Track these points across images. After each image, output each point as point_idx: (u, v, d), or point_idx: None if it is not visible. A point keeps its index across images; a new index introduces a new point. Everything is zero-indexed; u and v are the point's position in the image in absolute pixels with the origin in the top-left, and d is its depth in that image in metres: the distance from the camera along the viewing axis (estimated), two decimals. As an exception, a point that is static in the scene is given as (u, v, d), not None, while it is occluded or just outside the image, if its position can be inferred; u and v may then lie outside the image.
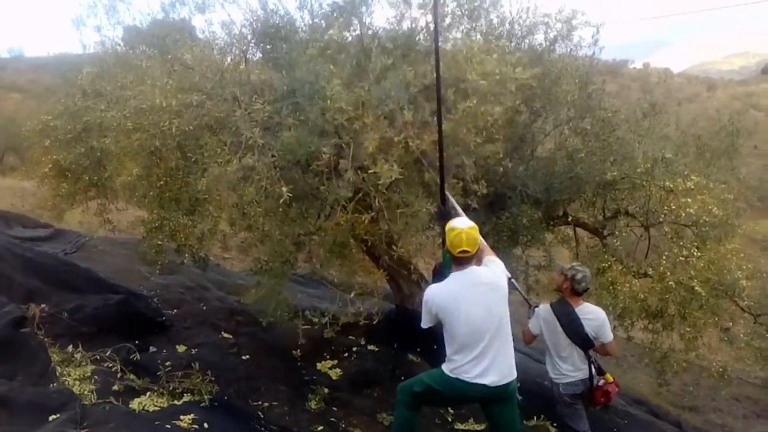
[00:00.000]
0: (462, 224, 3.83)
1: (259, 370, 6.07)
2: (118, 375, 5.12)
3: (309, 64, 4.63)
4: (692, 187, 5.74)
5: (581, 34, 6.63)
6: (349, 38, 5.39)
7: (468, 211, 5.12)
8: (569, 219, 7.12)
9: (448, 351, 3.89)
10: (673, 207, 5.86)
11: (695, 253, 5.86)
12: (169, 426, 4.41)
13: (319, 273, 5.76)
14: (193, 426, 4.50)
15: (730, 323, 6.45)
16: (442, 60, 4.58)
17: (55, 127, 6.29)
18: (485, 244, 4.21)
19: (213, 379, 5.37)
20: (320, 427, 5.31)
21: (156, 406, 4.76)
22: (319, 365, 6.61)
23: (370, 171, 4.26)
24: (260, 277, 5.71)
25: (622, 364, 10.98)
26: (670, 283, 5.77)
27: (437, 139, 4.23)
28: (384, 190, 4.27)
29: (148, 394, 4.92)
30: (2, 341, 4.97)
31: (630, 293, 5.97)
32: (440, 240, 4.34)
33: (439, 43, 5.51)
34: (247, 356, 6.36)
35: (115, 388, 4.85)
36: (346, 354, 6.94)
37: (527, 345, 5.53)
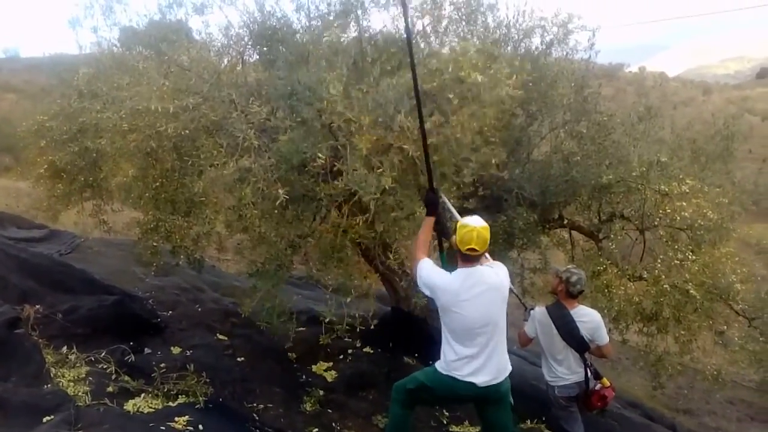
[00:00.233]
0: (475, 222, 3.80)
1: (254, 372, 6.06)
2: (113, 376, 5.10)
3: (306, 66, 4.63)
4: (687, 190, 5.77)
5: (577, 38, 6.69)
6: (346, 41, 5.40)
7: (462, 214, 5.13)
8: (565, 222, 7.14)
9: (443, 347, 3.91)
10: (668, 210, 5.89)
11: (690, 257, 5.88)
12: (163, 428, 4.39)
13: (315, 276, 5.75)
14: (188, 428, 4.49)
15: (725, 326, 6.48)
16: (438, 62, 4.60)
17: (50, 128, 6.28)
18: None
19: (208, 380, 5.35)
20: (315, 429, 5.30)
21: (151, 407, 4.75)
22: (314, 367, 6.61)
23: (361, 173, 4.25)
24: (256, 279, 5.71)
25: (616, 367, 11.00)
26: (665, 286, 5.78)
27: (420, 127, 4.14)
28: (379, 194, 4.26)
29: (142, 395, 4.90)
30: (-4, 342, 4.96)
31: (625, 296, 5.99)
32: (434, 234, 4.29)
33: (436, 46, 5.54)
34: (243, 358, 6.34)
35: (110, 389, 4.84)
36: (341, 356, 6.94)
37: (523, 347, 5.53)
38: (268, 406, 5.47)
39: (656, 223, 6.23)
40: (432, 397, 4.05)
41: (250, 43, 5.74)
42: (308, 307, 8.22)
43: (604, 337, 4.82)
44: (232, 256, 12.99)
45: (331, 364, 6.71)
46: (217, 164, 4.52)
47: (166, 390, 5.06)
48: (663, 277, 5.88)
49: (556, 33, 6.58)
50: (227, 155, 4.56)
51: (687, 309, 5.91)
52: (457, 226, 3.85)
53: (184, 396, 5.06)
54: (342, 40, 5.28)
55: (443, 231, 4.39)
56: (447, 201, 4.68)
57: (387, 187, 4.18)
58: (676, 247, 6.06)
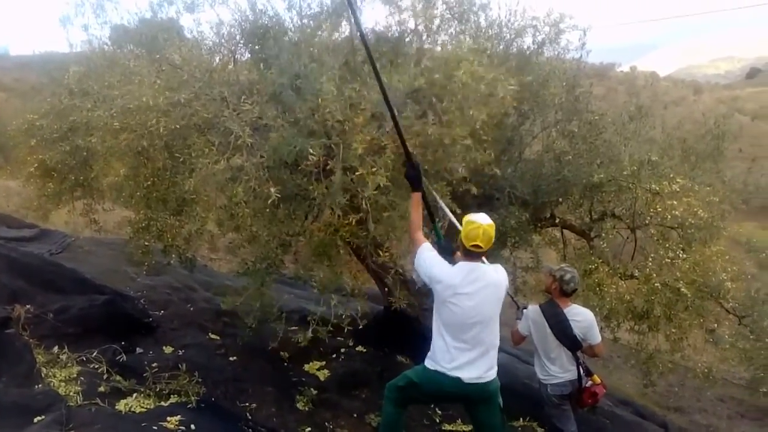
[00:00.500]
0: (482, 220, 3.83)
1: (247, 372, 6.06)
2: (104, 376, 5.09)
3: (298, 64, 4.62)
4: (678, 189, 5.79)
5: (569, 38, 6.68)
6: (338, 39, 5.40)
7: (454, 213, 5.14)
8: (556, 221, 7.16)
9: (433, 341, 3.93)
10: (659, 209, 5.91)
11: (681, 255, 5.91)
12: (155, 427, 4.39)
13: (305, 275, 5.74)
14: (180, 427, 4.49)
15: (715, 325, 6.51)
16: (431, 62, 4.61)
17: (41, 127, 6.25)
18: None
19: (200, 380, 5.35)
20: (308, 429, 5.31)
21: (142, 407, 4.74)
22: (306, 366, 6.61)
23: (357, 173, 4.25)
24: (246, 278, 5.69)
25: (608, 364, 11.05)
26: (656, 284, 5.81)
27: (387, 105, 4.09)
28: (372, 193, 4.26)
29: (134, 395, 4.89)
30: (-13, 342, 4.93)
31: (616, 294, 6.01)
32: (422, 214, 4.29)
33: (428, 45, 5.54)
34: (235, 357, 6.34)
35: (101, 389, 4.83)
36: (334, 355, 6.94)
37: (516, 346, 5.55)
38: (261, 406, 5.47)
39: (647, 221, 6.25)
40: (421, 395, 4.06)
41: (241, 41, 5.72)
42: (300, 306, 8.21)
43: (596, 337, 4.85)
44: (223, 256, 12.97)
45: (323, 363, 6.72)
46: (209, 162, 4.50)
47: (158, 390, 5.06)
48: (654, 275, 5.90)
49: (547, 32, 6.58)
50: (219, 153, 4.54)
51: (678, 307, 5.94)
52: (464, 222, 3.89)
53: (176, 396, 5.06)
54: (334, 38, 5.28)
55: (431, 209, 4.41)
56: (439, 200, 4.69)
57: (381, 185, 4.18)
58: (667, 245, 6.08)
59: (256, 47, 5.56)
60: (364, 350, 7.16)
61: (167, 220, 6.14)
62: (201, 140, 4.83)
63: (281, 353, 6.56)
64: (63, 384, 4.79)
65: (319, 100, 4.25)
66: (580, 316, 4.82)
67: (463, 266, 3.89)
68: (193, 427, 4.53)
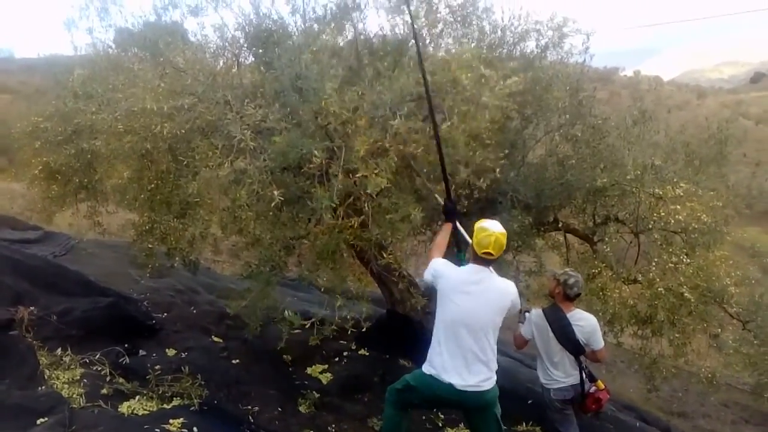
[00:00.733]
0: (494, 227, 3.89)
1: (249, 375, 6.06)
2: (107, 378, 5.09)
3: (301, 67, 4.63)
4: (681, 194, 5.78)
5: (572, 42, 6.68)
6: (342, 43, 5.41)
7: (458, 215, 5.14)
8: (560, 225, 7.15)
9: (431, 345, 3.94)
10: (663, 214, 5.90)
11: (684, 260, 5.89)
12: (158, 430, 4.39)
13: (309, 278, 5.74)
14: (183, 430, 4.49)
15: (719, 330, 6.48)
16: (433, 66, 4.61)
17: (45, 129, 6.26)
18: None
19: (203, 383, 5.35)
20: (310, 432, 5.31)
21: (145, 410, 4.75)
22: (309, 370, 6.60)
23: (358, 175, 4.26)
24: (250, 281, 5.70)
25: (611, 369, 11.03)
26: (659, 289, 5.79)
27: (435, 140, 4.26)
28: (374, 195, 4.27)
29: (137, 397, 4.90)
30: (-10, 344, 4.95)
31: (620, 299, 6.00)
32: (434, 239, 4.40)
33: (431, 49, 5.55)
34: (237, 360, 6.34)
35: (104, 391, 4.83)
36: (336, 358, 6.94)
37: (518, 350, 5.55)
38: (263, 409, 5.47)
39: (651, 226, 6.23)
40: (418, 399, 4.06)
41: (245, 45, 5.73)
42: (303, 309, 8.19)
43: (599, 342, 4.84)
44: (227, 258, 12.98)
45: (326, 366, 6.71)
46: (212, 165, 4.51)
47: (160, 392, 5.06)
48: (657, 280, 5.89)
49: (551, 37, 6.58)
50: (222, 156, 4.55)
51: (681, 312, 5.92)
52: (475, 228, 3.93)
53: (178, 398, 5.06)
54: (338, 41, 5.30)
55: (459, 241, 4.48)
56: (442, 203, 4.70)
57: (383, 188, 4.19)
58: (671, 250, 6.07)
59: (260, 51, 5.58)
60: (367, 353, 7.15)
61: (171, 222, 6.14)
62: (204, 143, 4.85)
63: (284, 356, 6.56)
64: (66, 386, 4.80)
65: (323, 103, 4.26)
66: (584, 320, 4.81)
67: (471, 267, 3.96)
68: (195, 429, 4.53)
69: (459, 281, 3.93)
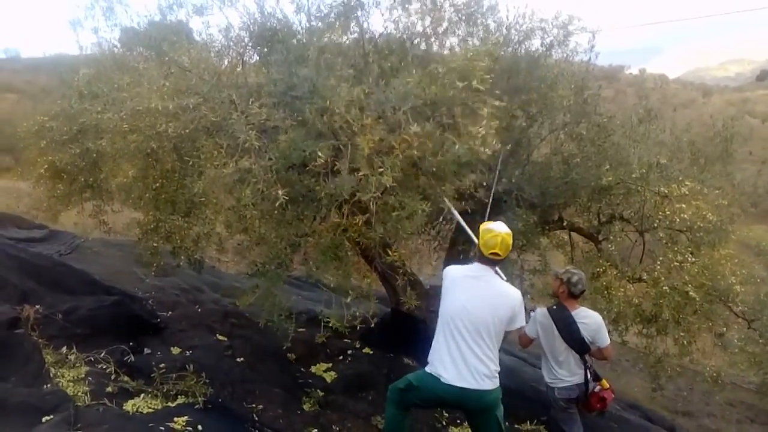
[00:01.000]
0: (500, 228, 3.95)
1: (254, 373, 6.07)
2: (112, 377, 5.10)
3: (306, 66, 4.63)
4: (687, 192, 5.77)
5: (577, 40, 6.64)
6: (347, 42, 5.40)
7: (465, 215, 5.14)
8: (564, 224, 7.14)
9: (433, 343, 3.95)
10: (668, 212, 5.89)
11: (689, 259, 5.88)
12: (162, 428, 4.40)
13: (314, 276, 5.76)
14: (187, 428, 4.50)
15: (724, 328, 6.47)
16: (438, 64, 4.59)
17: (51, 128, 6.28)
18: None
19: (207, 381, 5.36)
20: (314, 430, 5.31)
21: (150, 408, 4.75)
22: (313, 368, 6.61)
23: (361, 174, 4.25)
24: (256, 279, 5.71)
25: (616, 368, 11.01)
26: (664, 288, 5.79)
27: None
28: (380, 193, 4.27)
29: (142, 395, 4.91)
30: (-4, 342, 4.96)
31: (624, 298, 6.00)
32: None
33: (436, 48, 5.53)
34: (242, 358, 6.35)
35: (109, 389, 4.84)
36: (340, 357, 6.94)
37: (524, 348, 5.54)
38: (268, 407, 5.47)
39: (656, 224, 6.22)
40: (419, 399, 4.06)
41: (250, 44, 5.74)
42: (308, 308, 8.23)
43: (605, 339, 4.83)
44: (231, 257, 13.00)
45: (330, 364, 6.72)
46: (217, 165, 4.51)
47: (165, 390, 5.07)
48: (662, 278, 5.88)
49: (556, 35, 6.56)
50: (227, 156, 4.55)
51: (686, 311, 5.91)
52: (481, 230, 3.97)
53: (183, 396, 5.07)
54: (343, 40, 5.29)
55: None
56: (447, 202, 4.70)
57: (388, 186, 4.19)
58: (676, 248, 6.06)
59: (265, 50, 5.58)
60: (371, 352, 7.16)
61: (176, 221, 6.16)
62: (209, 143, 4.85)
63: (288, 355, 6.57)
64: (71, 384, 4.81)
65: (327, 102, 4.26)
66: (589, 318, 4.80)
67: (475, 265, 4.02)
68: (200, 427, 4.54)
69: (460, 276, 3.99)
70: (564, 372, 4.82)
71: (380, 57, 4.83)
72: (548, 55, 6.62)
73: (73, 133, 6.09)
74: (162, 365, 5.47)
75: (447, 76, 4.35)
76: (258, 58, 5.90)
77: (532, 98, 6.14)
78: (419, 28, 5.54)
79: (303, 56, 4.81)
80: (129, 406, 4.70)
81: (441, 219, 4.64)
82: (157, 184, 5.98)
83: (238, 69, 5.68)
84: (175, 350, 6.23)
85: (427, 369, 3.93)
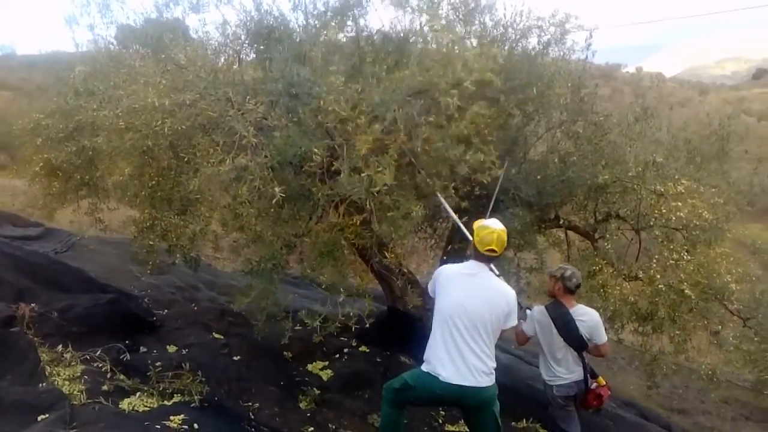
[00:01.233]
0: (496, 225, 3.97)
1: (250, 371, 6.06)
2: (108, 375, 5.10)
3: (303, 64, 4.63)
4: (683, 191, 5.77)
5: (574, 38, 6.65)
6: (344, 39, 5.40)
7: (460, 213, 5.14)
8: (561, 222, 7.14)
9: (429, 341, 3.95)
10: (664, 211, 5.89)
11: (685, 257, 5.90)
12: (158, 426, 4.39)
13: (310, 275, 5.75)
14: (183, 426, 4.49)
15: (720, 326, 6.49)
16: (436, 62, 4.59)
17: (46, 126, 6.26)
18: None
19: (203, 379, 5.36)
20: (311, 429, 5.31)
21: (146, 406, 4.75)
22: (310, 366, 6.60)
23: (363, 174, 4.26)
24: (251, 278, 5.71)
25: (612, 366, 11.04)
26: (660, 286, 5.80)
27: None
28: (376, 193, 4.27)
29: (138, 394, 4.90)
30: (-8, 340, 4.96)
31: (620, 296, 6.01)
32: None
33: (432, 45, 5.53)
34: (238, 357, 6.34)
35: (105, 388, 4.83)
36: (337, 355, 6.94)
37: (521, 346, 5.56)
38: (264, 405, 5.47)
39: (652, 223, 6.23)
40: (415, 398, 4.07)
41: (246, 41, 5.73)
42: (304, 306, 8.22)
43: (602, 336, 4.85)
44: (228, 255, 12.98)
45: (326, 363, 6.71)
46: (214, 162, 4.51)
47: (161, 389, 5.07)
48: (658, 277, 5.89)
49: (553, 33, 6.55)
50: (223, 153, 4.55)
51: (682, 309, 5.93)
52: (476, 227, 3.98)
53: (179, 395, 5.06)
54: (340, 37, 5.28)
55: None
56: (443, 201, 4.70)
57: (387, 184, 4.19)
58: (672, 247, 6.07)
59: (262, 47, 5.57)
60: (368, 350, 7.15)
61: (172, 219, 6.14)
62: (206, 140, 4.85)
63: (285, 353, 6.56)
64: (67, 382, 4.81)
65: (321, 102, 4.26)
66: (586, 315, 4.82)
67: (470, 262, 4.03)
68: (196, 426, 4.54)
69: (455, 274, 4.00)
70: (562, 369, 4.83)
71: (377, 55, 4.82)
72: (545, 54, 6.61)
73: (69, 131, 6.07)
74: (158, 363, 5.45)
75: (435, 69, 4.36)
76: (255, 55, 5.89)
77: (529, 96, 6.14)
78: (416, 26, 5.54)
79: (300, 54, 4.80)
80: (125, 404, 4.69)
81: (440, 220, 4.63)
82: (153, 182, 5.97)
83: (235, 66, 5.67)
84: (171, 348, 6.22)
85: (424, 367, 3.93)
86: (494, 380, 3.91)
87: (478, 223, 4.02)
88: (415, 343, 4.67)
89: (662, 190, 5.88)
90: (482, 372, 3.82)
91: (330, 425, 5.48)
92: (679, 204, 5.75)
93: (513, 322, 4.08)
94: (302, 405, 5.70)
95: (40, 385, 4.65)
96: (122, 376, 5.12)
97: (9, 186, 15.59)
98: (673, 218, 5.82)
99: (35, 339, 5.33)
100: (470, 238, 4.12)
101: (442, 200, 4.78)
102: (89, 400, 4.57)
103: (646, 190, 6.05)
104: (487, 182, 4.71)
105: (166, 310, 7.45)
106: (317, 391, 5.94)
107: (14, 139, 7.28)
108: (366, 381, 6.43)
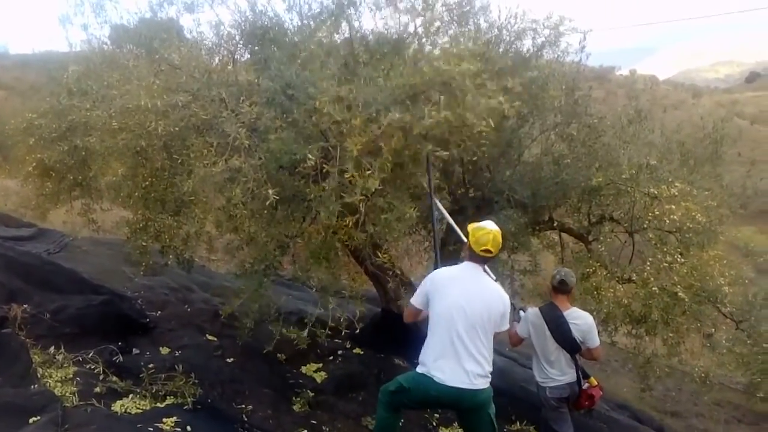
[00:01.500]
0: (491, 226, 3.98)
1: (244, 373, 6.04)
2: (101, 377, 5.07)
3: (297, 66, 4.62)
4: (676, 193, 5.79)
5: (568, 41, 6.68)
6: (338, 40, 5.39)
7: (454, 214, 5.14)
8: (555, 224, 7.15)
9: (425, 343, 3.92)
10: (657, 213, 5.91)
11: (678, 260, 5.91)
12: (151, 429, 4.37)
13: (303, 276, 5.74)
14: (176, 429, 4.48)
15: (713, 329, 6.52)
16: (429, 62, 4.58)
17: (39, 126, 6.23)
18: None
19: (196, 381, 5.33)
20: (304, 431, 5.29)
21: (138, 408, 4.73)
22: (303, 368, 6.59)
23: (350, 176, 4.24)
24: (244, 279, 5.69)
25: (605, 368, 11.05)
26: (653, 288, 5.81)
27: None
28: (369, 195, 4.26)
29: (130, 396, 4.88)
30: (-17, 342, 4.92)
31: (614, 298, 6.02)
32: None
33: (428, 47, 5.54)
34: (232, 359, 6.32)
35: (98, 390, 4.81)
36: (331, 357, 6.93)
37: (514, 347, 5.56)
38: (257, 408, 5.45)
39: (645, 225, 6.25)
40: (410, 401, 4.05)
41: (241, 42, 5.72)
42: (298, 308, 8.20)
43: (595, 340, 4.86)
44: (221, 257, 12.95)
45: (320, 365, 6.70)
46: (207, 163, 4.49)
47: (154, 391, 5.04)
48: (652, 279, 5.90)
49: (547, 35, 6.57)
50: (217, 155, 4.54)
51: (675, 311, 5.94)
52: (471, 229, 4.00)
53: (172, 397, 5.04)
54: (334, 39, 5.28)
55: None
56: (438, 202, 4.70)
57: (375, 188, 4.18)
58: (665, 249, 6.08)
59: (256, 48, 5.56)
60: (362, 352, 7.15)
61: (165, 220, 6.12)
62: (199, 141, 4.83)
63: (278, 355, 6.54)
64: (59, 384, 4.78)
65: (317, 103, 4.25)
66: (580, 319, 4.83)
67: (465, 264, 4.03)
68: (189, 428, 4.52)
69: (450, 276, 3.99)
70: (555, 371, 4.83)
71: (371, 57, 4.82)
72: (539, 56, 6.63)
73: (62, 131, 6.04)
74: (151, 365, 5.43)
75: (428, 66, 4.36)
76: (249, 56, 5.88)
77: (523, 99, 6.15)
78: (411, 28, 5.54)
79: (294, 55, 4.79)
80: (117, 406, 4.67)
81: (432, 220, 4.62)
82: (147, 183, 5.94)
83: (229, 67, 5.66)
84: (164, 350, 6.19)
85: (419, 369, 3.92)
86: (489, 383, 3.91)
87: (472, 225, 4.02)
88: (410, 346, 4.66)
89: (656, 192, 5.90)
90: (478, 375, 3.81)
91: (324, 427, 5.46)
92: (673, 207, 5.77)
93: (506, 325, 4.08)
94: (296, 407, 5.69)
95: (32, 386, 4.62)
96: (115, 378, 5.09)
97: (1, 186, 15.53)
98: (667, 221, 5.83)
99: (27, 340, 5.30)
100: (465, 239, 4.12)
101: (437, 202, 4.78)
102: (81, 402, 4.54)
103: (639, 193, 6.07)
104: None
105: (159, 312, 7.41)
106: (311, 394, 5.92)
107: (7, 138, 7.26)
108: (360, 383, 6.41)
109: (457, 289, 3.88)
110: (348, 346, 7.21)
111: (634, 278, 6.23)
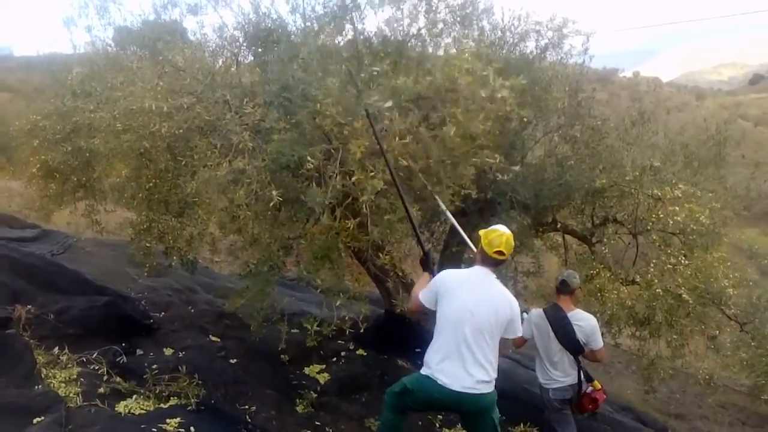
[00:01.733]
0: (503, 229, 3.98)
1: (247, 374, 6.05)
2: (104, 378, 5.08)
3: (300, 68, 4.62)
4: (680, 195, 5.78)
5: (572, 43, 6.69)
6: (341, 43, 5.40)
7: (458, 215, 5.14)
8: (558, 226, 7.15)
9: (430, 345, 3.91)
10: (661, 215, 5.90)
11: (682, 261, 5.90)
12: (155, 430, 4.37)
13: (306, 278, 5.74)
14: (180, 430, 4.47)
15: (717, 331, 6.50)
16: (433, 66, 4.59)
17: (44, 127, 6.26)
18: None
19: (200, 382, 5.34)
20: (307, 432, 5.30)
21: (142, 409, 4.73)
22: (307, 369, 6.59)
23: (354, 178, 4.25)
24: (248, 280, 5.69)
25: (609, 370, 11.03)
26: (657, 290, 5.80)
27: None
28: (372, 196, 4.25)
29: (134, 397, 4.88)
30: (-13, 342, 4.93)
31: (618, 300, 6.00)
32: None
33: (431, 49, 5.54)
34: (235, 360, 6.33)
35: (101, 390, 4.82)
36: (334, 359, 6.93)
37: (517, 348, 5.55)
38: (260, 409, 5.45)
39: (649, 227, 6.24)
40: (414, 403, 4.03)
41: (244, 44, 5.73)
42: (301, 309, 8.21)
43: (598, 342, 4.85)
44: (225, 258, 12.96)
45: (324, 366, 6.70)
46: (211, 165, 4.50)
47: (157, 391, 5.05)
48: (655, 281, 5.89)
49: (551, 37, 6.58)
50: (221, 156, 4.54)
51: (679, 313, 5.93)
52: (483, 233, 3.99)
53: (175, 398, 5.04)
54: (337, 41, 5.28)
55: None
56: (441, 204, 4.70)
57: (379, 189, 4.18)
58: (669, 251, 6.08)
59: (259, 50, 5.57)
60: (365, 354, 7.14)
61: (169, 221, 6.13)
62: (203, 143, 4.84)
63: (281, 356, 6.55)
64: (63, 385, 4.79)
65: (318, 105, 4.25)
66: (584, 321, 4.82)
67: (475, 268, 3.99)
68: (192, 429, 4.52)
69: (461, 279, 3.95)
70: (558, 373, 4.82)
71: (374, 58, 4.82)
72: (543, 58, 6.63)
73: (66, 132, 6.07)
74: (154, 366, 5.44)
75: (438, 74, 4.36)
76: (252, 58, 5.89)
77: (527, 100, 6.15)
78: (414, 30, 5.54)
79: (297, 57, 4.80)
80: (121, 407, 4.67)
81: (438, 222, 4.62)
82: (150, 184, 5.95)
83: (233, 69, 5.68)
84: (168, 351, 6.20)
85: (424, 371, 3.90)
86: (494, 387, 3.89)
87: (484, 230, 4.02)
88: (413, 347, 4.67)
89: (659, 194, 5.89)
90: (482, 380, 3.79)
91: (327, 429, 5.46)
92: (677, 208, 5.76)
93: (518, 331, 4.05)
94: (299, 408, 5.69)
95: (36, 387, 4.62)
96: (118, 379, 5.10)
97: (6, 187, 15.57)
98: (671, 222, 5.82)
99: (31, 341, 5.31)
100: (468, 241, 4.11)
101: (441, 204, 4.77)
102: (85, 403, 4.55)
103: (643, 195, 6.06)
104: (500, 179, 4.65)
105: (162, 313, 7.43)
106: (314, 395, 5.93)
107: (11, 140, 7.29)
108: (363, 384, 6.41)
109: (467, 292, 3.85)
110: (351, 347, 7.21)
111: (637, 280, 6.22)
